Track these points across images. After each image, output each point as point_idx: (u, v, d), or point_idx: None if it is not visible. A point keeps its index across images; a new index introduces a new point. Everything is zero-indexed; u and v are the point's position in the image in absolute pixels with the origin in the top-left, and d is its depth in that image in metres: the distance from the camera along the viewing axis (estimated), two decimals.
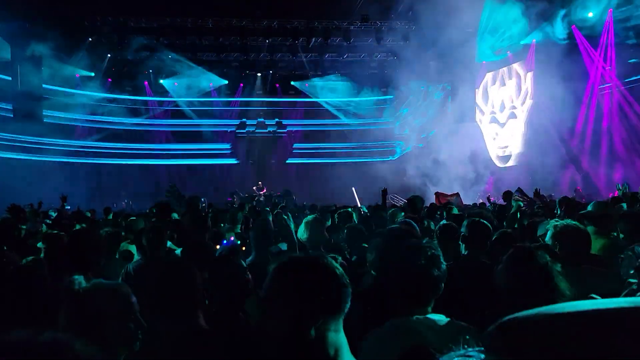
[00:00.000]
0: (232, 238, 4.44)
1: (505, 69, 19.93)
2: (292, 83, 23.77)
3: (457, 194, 11.66)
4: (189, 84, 22.40)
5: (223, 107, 23.93)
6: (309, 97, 24.12)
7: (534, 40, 18.08)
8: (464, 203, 11.39)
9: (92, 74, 21.04)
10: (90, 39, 19.15)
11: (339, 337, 1.35)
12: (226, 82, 23.22)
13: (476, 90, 21.16)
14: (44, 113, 18.60)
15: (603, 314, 0.58)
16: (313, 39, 19.90)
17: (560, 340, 0.55)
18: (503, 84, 20.13)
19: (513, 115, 19.53)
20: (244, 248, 4.19)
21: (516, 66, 19.39)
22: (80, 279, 1.74)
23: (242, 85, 23.68)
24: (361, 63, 22.48)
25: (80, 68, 20.27)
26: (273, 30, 19.57)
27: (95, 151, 21.24)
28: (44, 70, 18.25)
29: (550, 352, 0.55)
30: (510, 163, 19.49)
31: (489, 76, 20.86)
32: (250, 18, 19.02)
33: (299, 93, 24.20)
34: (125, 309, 1.74)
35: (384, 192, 6.87)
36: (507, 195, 7.68)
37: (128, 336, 1.72)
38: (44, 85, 18.42)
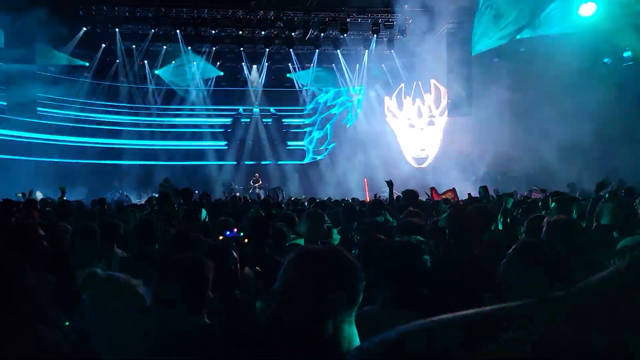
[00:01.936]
0: (235, 230, 4.44)
1: (420, 81, 22.32)
2: (288, 75, 23.68)
3: (454, 189, 11.65)
4: (184, 75, 22.27)
5: (218, 101, 23.83)
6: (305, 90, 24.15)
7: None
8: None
9: (87, 64, 20.87)
10: (85, 29, 18.97)
11: (353, 330, 1.31)
12: (221, 73, 23.10)
13: (388, 97, 23.23)
14: (37, 101, 18.43)
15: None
16: (310, 31, 19.79)
17: None
18: (419, 94, 22.48)
19: (432, 123, 22.38)
20: (246, 240, 4.19)
21: (434, 81, 21.81)
22: (98, 270, 1.82)
23: (237, 76, 23.56)
24: (356, 56, 22.50)
25: (74, 57, 20.10)
26: (269, 22, 19.46)
27: (86, 141, 21.11)
28: (37, 59, 18.07)
29: None
30: (426, 164, 22.20)
31: (402, 86, 22.93)
32: (245, 9, 18.89)
33: (294, 85, 24.13)
34: (136, 301, 1.81)
35: (390, 184, 6.69)
36: (483, 189, 7.81)
37: (139, 326, 1.78)
38: (37, 73, 18.26)
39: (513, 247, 2.22)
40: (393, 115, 23.24)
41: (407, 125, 22.92)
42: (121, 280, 1.82)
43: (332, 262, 1.30)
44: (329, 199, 13.46)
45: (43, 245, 2.92)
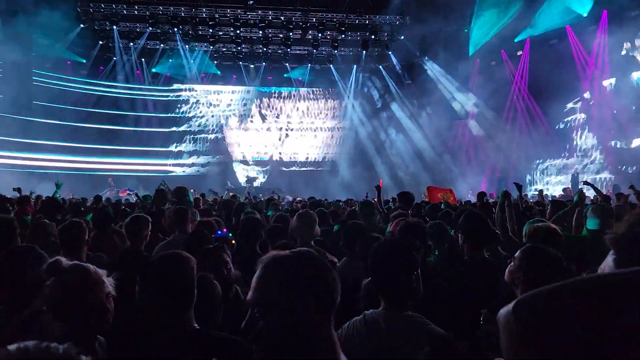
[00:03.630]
0: (224, 230, 4.41)
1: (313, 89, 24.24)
2: (285, 75, 23.67)
3: (450, 190, 11.58)
4: (181, 73, 22.21)
5: (214, 100, 23.78)
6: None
7: (529, 38, 18.11)
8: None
9: (84, 61, 20.78)
10: (82, 26, 18.90)
11: (332, 333, 1.29)
12: (219, 72, 23.06)
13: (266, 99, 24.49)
14: (33, 102, 18.33)
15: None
16: (309, 32, 19.79)
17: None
18: (310, 99, 24.52)
19: (311, 129, 24.61)
20: (233, 242, 4.16)
21: (322, 91, 24.19)
22: (61, 259, 1.75)
23: (234, 76, 23.53)
24: (354, 58, 22.53)
25: (71, 53, 20.00)
26: (267, 22, 19.44)
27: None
28: (34, 56, 17.99)
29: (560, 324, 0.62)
30: (295, 168, 24.23)
31: (286, 93, 24.38)
32: (244, 9, 18.86)
33: (291, 85, 24.14)
34: (94, 290, 1.73)
35: (378, 188, 6.72)
36: (480, 195, 7.80)
37: (95, 316, 1.71)
38: (33, 71, 18.17)
39: (519, 250, 2.29)
40: (265, 118, 24.33)
41: (276, 128, 24.50)
42: (83, 268, 1.75)
43: (298, 268, 1.27)
44: (325, 200, 13.48)
45: None
